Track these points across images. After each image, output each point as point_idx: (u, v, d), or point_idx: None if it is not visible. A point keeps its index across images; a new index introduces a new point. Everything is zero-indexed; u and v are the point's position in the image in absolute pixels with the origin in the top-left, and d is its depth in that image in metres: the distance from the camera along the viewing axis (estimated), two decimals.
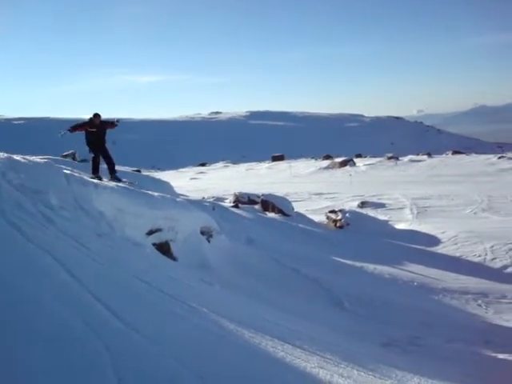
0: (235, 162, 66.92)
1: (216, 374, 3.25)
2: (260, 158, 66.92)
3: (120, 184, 12.16)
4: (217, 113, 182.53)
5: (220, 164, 63.50)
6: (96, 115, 12.46)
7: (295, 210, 19.91)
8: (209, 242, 12.42)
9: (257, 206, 19.99)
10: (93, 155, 12.55)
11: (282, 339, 4.45)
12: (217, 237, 12.86)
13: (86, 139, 12.40)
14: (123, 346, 3.41)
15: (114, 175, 12.74)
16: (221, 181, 38.15)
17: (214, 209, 16.82)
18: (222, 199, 21.95)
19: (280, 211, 19.23)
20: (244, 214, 18.13)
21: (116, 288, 5.08)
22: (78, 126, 12.52)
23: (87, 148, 12.59)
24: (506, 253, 15.26)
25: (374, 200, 24.49)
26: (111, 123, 12.87)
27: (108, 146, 12.77)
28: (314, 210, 22.38)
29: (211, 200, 20.32)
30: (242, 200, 20.82)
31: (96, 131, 12.28)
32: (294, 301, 9.27)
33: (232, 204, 19.94)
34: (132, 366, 3.18)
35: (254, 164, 56.21)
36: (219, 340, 4.05)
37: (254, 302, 7.57)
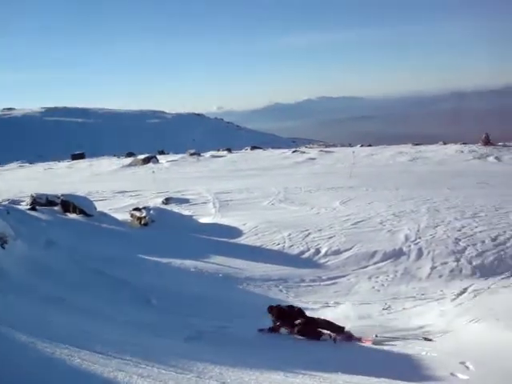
0: (32, 161, 62.96)
1: None
2: (59, 157, 63.82)
3: None
4: (9, 109, 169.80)
5: (15, 164, 59.27)
6: None
7: (98, 210, 19.25)
8: (3, 248, 11.54)
9: (56, 208, 18.96)
10: None
11: (79, 345, 4.23)
12: (12, 242, 11.97)
13: None
14: None
15: None
16: (16, 182, 35.63)
17: (8, 213, 15.62)
18: (17, 202, 20.44)
19: (82, 211, 18.43)
20: (42, 216, 17.08)
21: None
22: None
23: None
24: (303, 239, 16.28)
25: (178, 196, 24.64)
26: None
27: None
28: (118, 208, 21.89)
29: (5, 203, 18.86)
30: (40, 201, 19.57)
31: None
32: (97, 303, 8.94)
33: (29, 206, 18.68)
34: None
35: (52, 163, 53.45)
36: (8, 353, 3.73)
37: (51, 308, 7.14)
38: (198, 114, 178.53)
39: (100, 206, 20.09)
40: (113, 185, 30.17)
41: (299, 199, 22.63)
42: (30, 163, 59.22)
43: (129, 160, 46.50)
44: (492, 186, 24.13)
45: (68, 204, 18.64)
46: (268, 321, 9.47)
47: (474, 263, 14.09)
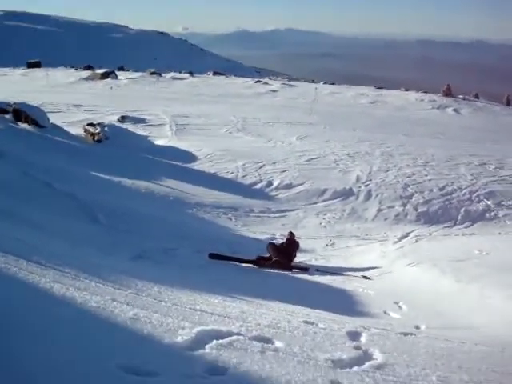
0: None
1: None
2: (14, 64, 61.41)
3: None
4: None
5: None
6: None
7: (51, 122, 18.78)
8: None
9: (8, 116, 18.40)
10: None
11: (17, 255, 4.20)
12: None
13: None
14: None
15: None
16: None
17: None
18: None
19: (34, 122, 17.95)
20: None
21: None
22: None
23: None
24: (256, 170, 16.40)
25: (135, 115, 24.23)
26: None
27: None
28: (72, 122, 21.38)
29: None
30: None
31: None
32: (45, 216, 8.83)
33: None
34: None
35: (6, 70, 51.39)
36: None
37: None
38: (162, 33, 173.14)
39: (53, 118, 19.60)
40: (68, 97, 29.34)
41: (257, 130, 22.60)
42: None
43: (87, 73, 45.11)
44: (447, 137, 24.57)
45: (20, 113, 18.10)
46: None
47: (420, 210, 14.50)
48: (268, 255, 9.83)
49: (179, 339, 3.05)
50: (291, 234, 10.47)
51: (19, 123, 17.77)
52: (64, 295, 3.37)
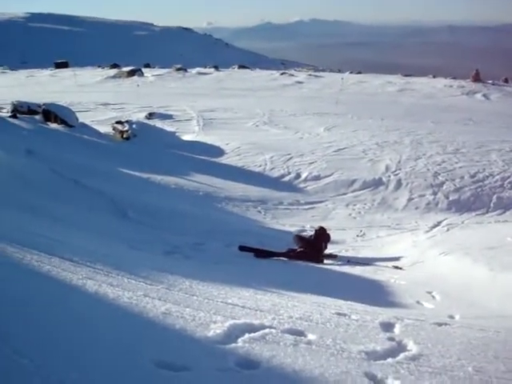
0: (14, 68, 61.24)
1: None
2: (42, 65, 62.24)
3: None
4: None
5: None
6: None
7: (80, 121, 19.01)
8: None
9: (38, 117, 18.67)
10: None
11: (50, 252, 4.26)
12: None
13: None
14: None
15: None
16: None
17: None
18: None
19: (63, 122, 18.19)
20: (23, 124, 16.85)
21: None
22: None
23: None
24: (284, 163, 16.35)
25: (162, 111, 24.35)
26: None
27: None
28: (100, 120, 21.59)
29: None
30: (21, 110, 19.23)
31: None
32: (74, 212, 8.96)
33: (10, 114, 18.38)
34: None
35: (35, 71, 52.07)
36: None
37: (26, 216, 7.12)
38: (187, 29, 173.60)
39: (82, 117, 19.84)
40: (96, 96, 29.60)
41: (284, 122, 22.51)
42: (12, 70, 57.67)
43: (113, 72, 45.40)
44: (477, 123, 24.12)
45: (50, 113, 18.37)
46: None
47: (451, 198, 14.29)
48: (298, 247, 9.83)
49: (211, 333, 3.07)
50: (321, 227, 10.42)
51: (49, 123, 18.04)
52: (97, 292, 3.41)
